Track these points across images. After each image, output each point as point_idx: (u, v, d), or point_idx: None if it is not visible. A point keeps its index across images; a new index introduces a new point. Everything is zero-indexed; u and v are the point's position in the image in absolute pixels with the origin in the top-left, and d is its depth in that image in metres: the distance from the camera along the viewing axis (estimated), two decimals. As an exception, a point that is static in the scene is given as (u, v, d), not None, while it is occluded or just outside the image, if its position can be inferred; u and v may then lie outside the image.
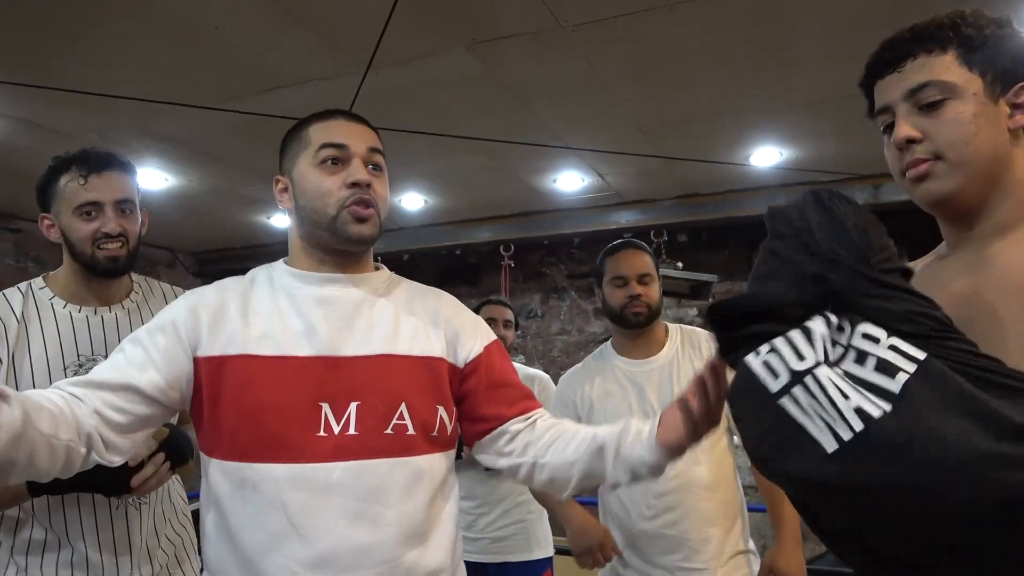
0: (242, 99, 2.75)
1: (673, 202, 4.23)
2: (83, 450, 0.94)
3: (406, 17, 2.15)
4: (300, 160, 1.15)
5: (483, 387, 1.18)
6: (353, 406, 1.06)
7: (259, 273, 1.18)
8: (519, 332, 4.81)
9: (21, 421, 0.85)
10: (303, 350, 1.08)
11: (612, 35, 2.33)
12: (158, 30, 2.28)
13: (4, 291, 1.42)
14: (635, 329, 1.87)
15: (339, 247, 1.14)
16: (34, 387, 1.24)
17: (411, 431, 1.08)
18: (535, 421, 1.19)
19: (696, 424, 1.01)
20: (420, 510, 1.07)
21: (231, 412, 1.05)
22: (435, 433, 1.11)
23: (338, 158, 1.12)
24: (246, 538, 1.02)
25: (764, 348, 0.74)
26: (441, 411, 1.13)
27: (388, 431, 1.07)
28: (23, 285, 1.44)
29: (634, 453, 1.07)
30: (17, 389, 1.08)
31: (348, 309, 1.13)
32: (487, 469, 2.47)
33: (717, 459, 1.80)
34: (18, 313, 1.38)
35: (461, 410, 1.18)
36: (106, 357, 1.10)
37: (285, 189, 1.18)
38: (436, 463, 1.11)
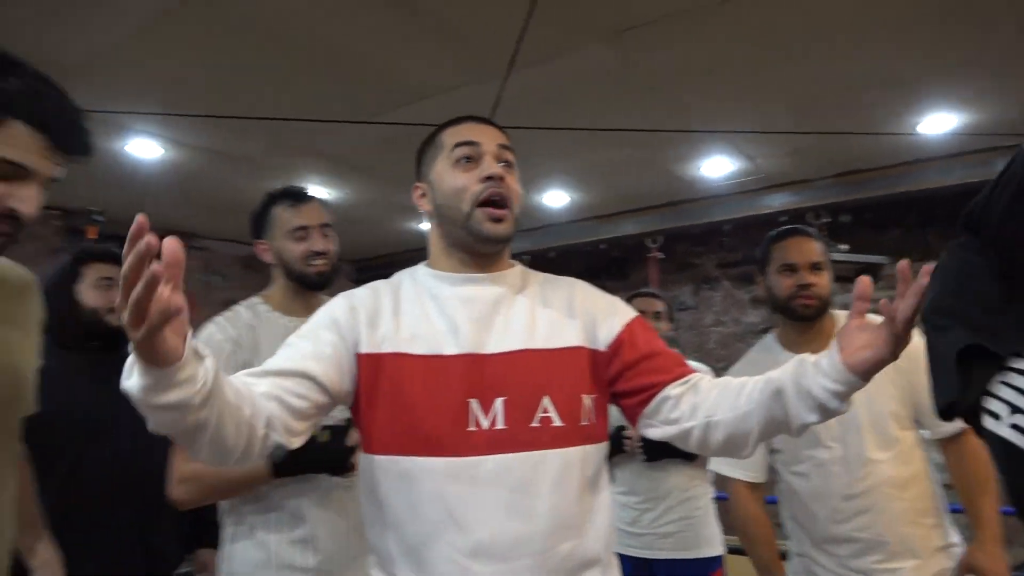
0: (392, 111, 2.89)
1: (830, 181, 3.97)
2: (262, 432, 0.96)
3: (544, 16, 2.18)
4: (436, 163, 1.19)
5: (632, 361, 1.15)
6: (499, 401, 1.07)
7: (404, 277, 1.22)
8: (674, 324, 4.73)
9: (213, 379, 0.84)
10: (449, 349, 1.10)
11: (761, 5, 2.23)
12: (310, 56, 2.45)
13: (232, 308, 1.62)
14: (804, 321, 1.75)
15: (476, 246, 1.16)
16: None
17: (557, 423, 1.08)
18: (696, 383, 1.13)
19: (898, 335, 0.94)
20: (571, 502, 1.07)
21: (387, 408, 1.09)
22: (584, 423, 1.11)
23: (471, 156, 1.15)
24: (408, 529, 1.06)
25: (1003, 410, 0.72)
26: (586, 400, 1.12)
27: (534, 424, 1.07)
28: (244, 303, 1.64)
29: (817, 384, 0.99)
30: None
31: (487, 307, 1.14)
32: (647, 461, 2.45)
33: (905, 455, 1.66)
34: (250, 323, 1.58)
35: (617, 390, 1.16)
36: None
37: (424, 194, 1.22)
38: (586, 455, 1.11)
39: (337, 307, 1.16)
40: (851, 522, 1.64)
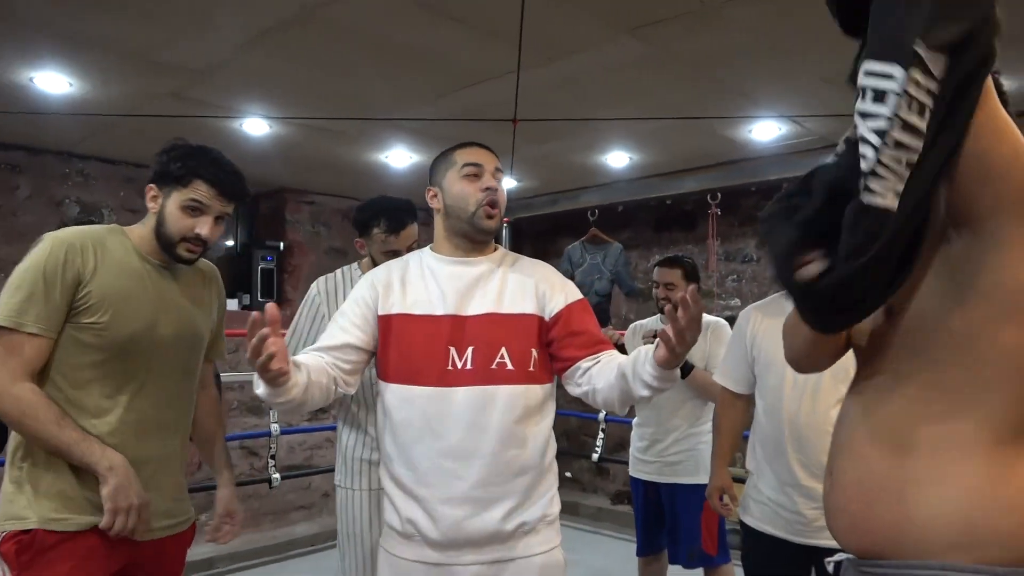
0: (453, 95, 3.34)
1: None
2: (333, 387, 1.54)
3: (573, 12, 2.53)
4: (448, 174, 1.65)
5: (562, 334, 1.59)
6: (470, 349, 1.54)
7: (412, 257, 1.71)
8: (720, 278, 4.96)
9: (305, 377, 1.41)
10: (438, 310, 1.58)
11: (761, 5, 2.48)
12: (377, 52, 2.91)
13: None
14: None
15: (475, 235, 1.63)
16: None
17: (510, 367, 1.54)
18: (602, 361, 1.57)
19: (672, 347, 1.32)
20: (515, 423, 1.53)
21: (395, 351, 1.58)
22: (531, 369, 1.56)
23: (476, 173, 1.62)
24: (401, 433, 1.56)
25: None
26: (534, 352, 1.57)
27: (493, 366, 1.54)
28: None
29: (645, 371, 1.41)
30: None
31: (470, 281, 1.61)
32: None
33: None
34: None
35: (551, 353, 1.61)
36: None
37: (435, 196, 1.68)
38: (529, 391, 1.56)
39: (364, 286, 1.67)
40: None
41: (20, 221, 4.26)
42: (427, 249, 1.72)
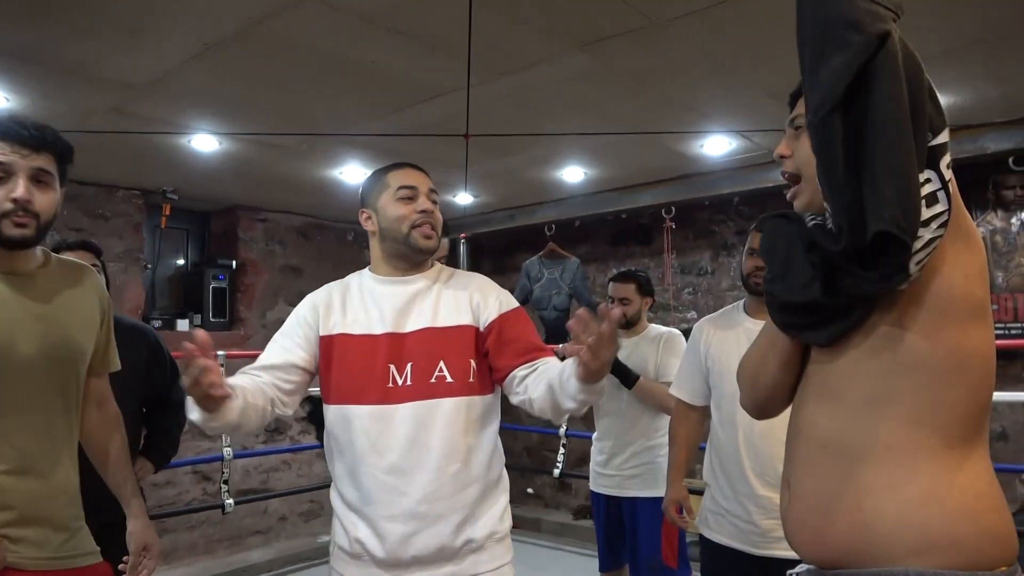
0: (405, 111, 3.31)
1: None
2: (269, 408, 1.51)
3: (521, 28, 2.54)
4: (382, 197, 1.64)
5: (496, 344, 1.59)
6: (409, 365, 1.53)
7: (352, 279, 1.70)
8: (676, 291, 5.02)
9: (242, 401, 1.39)
10: (377, 329, 1.57)
11: (709, 23, 2.52)
12: (325, 68, 2.88)
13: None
14: (759, 296, 2.11)
15: (411, 255, 1.62)
16: None
17: (449, 380, 1.53)
18: (538, 369, 1.55)
19: (585, 366, 1.30)
20: (458, 436, 1.52)
21: (336, 371, 1.56)
22: (471, 380, 1.55)
23: (410, 196, 1.61)
24: (347, 454, 1.54)
25: None
26: (472, 363, 1.57)
27: (432, 380, 1.53)
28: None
29: (570, 383, 1.39)
30: None
31: (406, 299, 1.60)
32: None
33: None
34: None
35: (488, 362, 1.60)
36: None
37: (369, 217, 1.67)
38: (471, 403, 1.55)
39: (305, 307, 1.65)
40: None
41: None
42: (366, 270, 1.71)
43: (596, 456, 2.99)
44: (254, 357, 1.62)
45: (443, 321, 1.58)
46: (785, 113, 1.12)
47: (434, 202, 1.64)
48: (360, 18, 2.48)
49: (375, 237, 1.67)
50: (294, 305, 1.70)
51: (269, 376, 1.55)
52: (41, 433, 1.43)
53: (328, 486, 1.71)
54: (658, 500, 2.70)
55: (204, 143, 3.75)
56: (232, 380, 1.45)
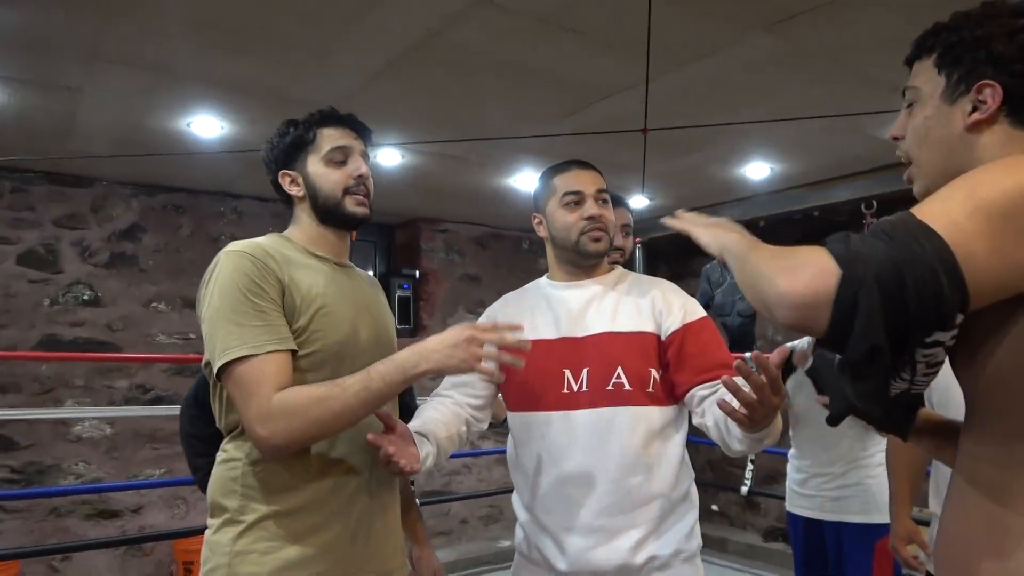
0: (579, 113, 3.25)
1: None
2: (464, 430, 1.51)
3: (701, 14, 2.38)
4: (550, 202, 1.58)
5: (677, 357, 1.46)
6: (585, 371, 1.45)
7: (530, 287, 1.67)
8: None
9: (434, 446, 1.35)
10: (552, 334, 1.51)
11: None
12: (510, 79, 2.88)
13: None
14: None
15: (581, 261, 1.56)
16: None
17: (627, 387, 1.43)
18: (719, 390, 1.39)
19: (740, 422, 1.20)
20: (637, 447, 1.41)
21: (515, 379, 1.51)
22: (650, 389, 1.44)
23: (577, 201, 1.54)
24: (525, 460, 1.50)
25: None
26: (653, 372, 1.45)
27: (609, 387, 1.43)
28: None
29: (734, 428, 1.28)
30: None
31: (583, 303, 1.53)
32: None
33: None
34: None
35: (669, 376, 1.47)
36: None
37: (540, 223, 1.63)
38: (650, 412, 1.44)
39: (483, 320, 1.61)
40: None
41: (183, 257, 4.61)
42: (543, 277, 1.68)
43: (793, 474, 2.72)
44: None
45: (622, 326, 1.49)
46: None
47: (604, 201, 1.57)
48: (535, 19, 2.45)
49: (548, 242, 1.63)
50: (472, 312, 1.70)
51: (459, 394, 1.54)
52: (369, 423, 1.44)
53: (507, 491, 1.68)
54: (870, 528, 2.47)
55: (388, 157, 3.93)
56: (425, 414, 1.46)
